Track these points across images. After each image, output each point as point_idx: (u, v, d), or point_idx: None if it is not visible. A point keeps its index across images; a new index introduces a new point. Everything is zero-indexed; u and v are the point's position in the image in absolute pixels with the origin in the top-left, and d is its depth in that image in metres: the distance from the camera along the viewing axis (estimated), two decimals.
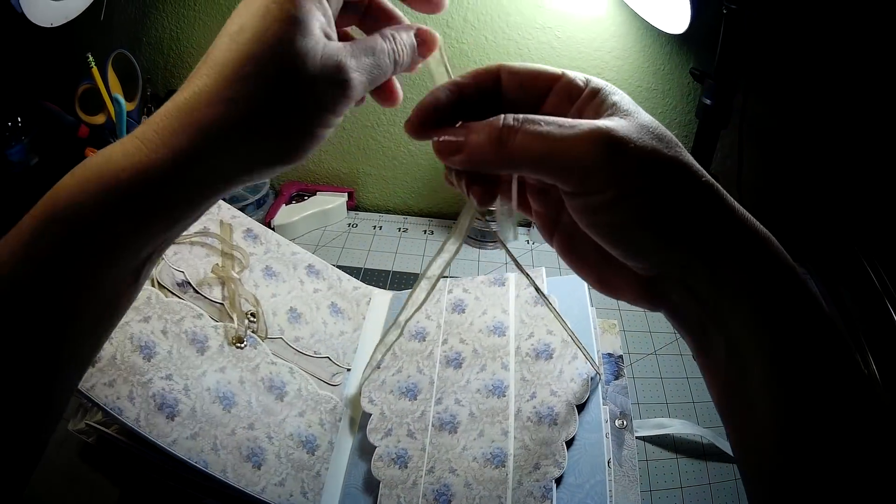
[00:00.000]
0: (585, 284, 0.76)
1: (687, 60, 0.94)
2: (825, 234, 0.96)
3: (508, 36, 0.95)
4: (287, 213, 1.04)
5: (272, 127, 0.36)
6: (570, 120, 0.35)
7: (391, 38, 0.40)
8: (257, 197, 1.03)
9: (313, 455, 0.63)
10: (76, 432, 0.66)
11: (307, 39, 0.35)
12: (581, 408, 0.63)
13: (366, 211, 1.15)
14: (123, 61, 0.95)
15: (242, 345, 0.66)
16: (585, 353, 0.66)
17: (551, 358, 0.68)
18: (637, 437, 0.71)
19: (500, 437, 0.61)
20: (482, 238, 1.05)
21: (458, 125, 0.40)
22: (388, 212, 1.16)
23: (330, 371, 0.72)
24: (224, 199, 0.81)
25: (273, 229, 0.96)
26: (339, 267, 0.84)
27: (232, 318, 0.68)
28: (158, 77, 1.05)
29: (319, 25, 0.35)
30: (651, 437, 0.73)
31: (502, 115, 0.36)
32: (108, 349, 0.59)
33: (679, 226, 0.35)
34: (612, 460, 0.60)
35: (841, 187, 1.01)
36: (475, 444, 0.61)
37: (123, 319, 0.59)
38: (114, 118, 0.91)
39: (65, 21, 0.79)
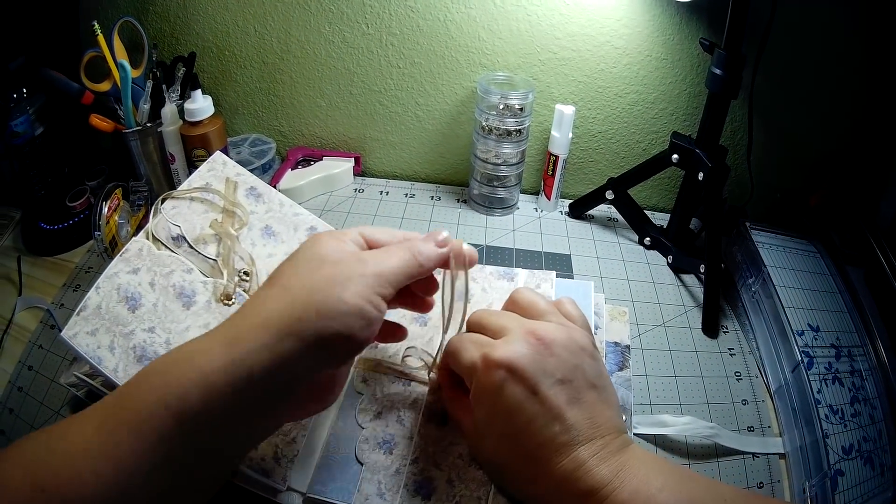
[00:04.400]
0: (592, 290, 0.75)
1: (697, 30, 0.92)
2: (833, 211, 0.94)
3: (517, 3, 0.94)
4: (293, 178, 1.04)
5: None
6: None
7: None
8: (263, 162, 1.02)
9: None
10: (67, 385, 0.67)
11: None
12: None
13: (372, 177, 1.15)
14: (129, 30, 0.96)
15: (230, 302, 0.66)
16: None
17: None
18: (635, 434, 0.69)
19: None
20: (489, 205, 1.04)
21: None
22: (394, 177, 1.15)
23: None
24: (229, 157, 0.81)
25: None
26: None
27: (223, 275, 0.68)
28: (165, 45, 1.05)
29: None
30: (651, 435, 0.70)
31: None
32: (94, 298, 0.60)
33: None
34: None
35: (851, 164, 0.98)
36: (463, 441, 0.59)
37: (112, 270, 0.60)
38: (118, 84, 0.91)
39: None
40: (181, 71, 0.94)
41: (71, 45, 0.99)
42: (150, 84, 0.92)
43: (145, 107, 0.93)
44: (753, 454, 0.69)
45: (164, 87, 0.92)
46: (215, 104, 0.94)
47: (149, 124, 0.93)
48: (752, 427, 0.72)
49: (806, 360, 0.71)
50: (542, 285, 0.74)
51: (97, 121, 0.91)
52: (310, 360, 0.44)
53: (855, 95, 0.93)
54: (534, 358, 0.48)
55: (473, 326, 0.57)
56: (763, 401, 0.75)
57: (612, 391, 0.52)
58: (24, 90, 0.92)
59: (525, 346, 0.49)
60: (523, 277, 0.76)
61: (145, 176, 0.97)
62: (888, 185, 0.91)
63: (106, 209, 0.82)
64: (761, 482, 0.67)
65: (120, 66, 0.89)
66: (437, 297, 0.58)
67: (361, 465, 0.57)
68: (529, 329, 0.50)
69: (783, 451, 0.70)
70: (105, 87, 0.92)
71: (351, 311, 0.44)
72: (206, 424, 0.41)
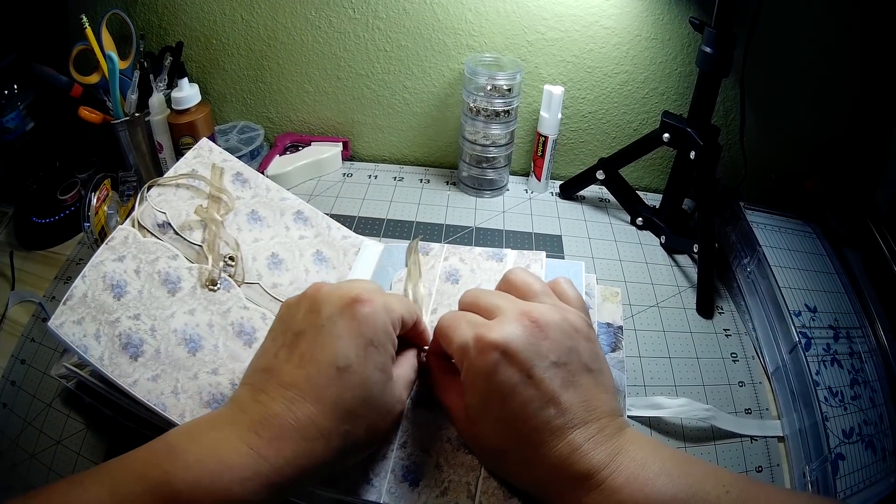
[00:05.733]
0: (583, 270, 0.74)
1: (686, 9, 0.92)
2: (830, 194, 0.93)
3: None
4: (281, 164, 1.04)
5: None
6: None
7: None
8: (251, 148, 1.02)
9: None
10: (58, 377, 0.67)
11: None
12: None
13: (361, 161, 1.14)
14: (118, 22, 0.95)
15: (215, 287, 0.65)
16: None
17: None
18: (629, 417, 0.68)
19: None
20: (479, 186, 1.03)
21: None
22: (383, 161, 1.15)
23: None
24: (217, 144, 0.80)
25: None
26: (333, 216, 0.82)
27: (208, 260, 0.67)
28: (153, 35, 1.05)
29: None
30: (646, 417, 0.69)
31: None
32: (80, 287, 0.59)
33: None
34: None
35: (847, 148, 0.98)
36: (452, 425, 0.58)
37: (99, 258, 0.60)
38: (107, 76, 0.91)
39: None
40: (169, 60, 0.94)
41: (60, 39, 0.99)
42: (137, 74, 0.92)
43: (133, 97, 0.92)
44: (751, 437, 0.68)
45: (151, 76, 0.92)
46: (203, 93, 0.94)
47: (137, 114, 0.93)
48: (749, 409, 0.71)
49: (804, 340, 0.70)
50: (532, 266, 0.74)
51: (86, 113, 0.90)
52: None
53: (850, 79, 0.93)
54: (528, 340, 0.47)
55: (466, 305, 0.56)
56: (760, 382, 0.75)
57: (608, 374, 0.51)
58: (15, 87, 0.92)
59: (519, 328, 0.48)
60: (513, 258, 0.75)
61: (134, 166, 0.97)
62: (884, 169, 0.90)
63: (95, 200, 0.82)
64: (760, 466, 0.66)
65: (108, 58, 0.88)
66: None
67: None
68: (524, 310, 0.50)
69: (782, 434, 0.69)
70: (94, 79, 0.92)
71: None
72: None
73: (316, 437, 0.44)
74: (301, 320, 0.50)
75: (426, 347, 0.60)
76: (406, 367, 0.55)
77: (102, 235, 0.83)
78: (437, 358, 0.58)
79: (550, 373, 0.47)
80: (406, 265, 0.75)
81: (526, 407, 0.46)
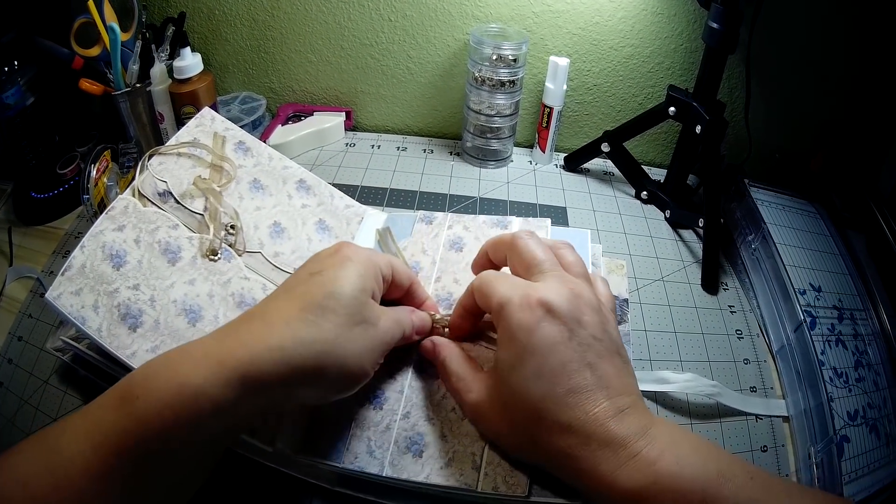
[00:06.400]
0: (588, 238, 0.73)
1: None
2: (834, 175, 0.93)
3: None
4: (283, 134, 1.03)
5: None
6: None
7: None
8: (253, 118, 1.02)
9: None
10: (53, 351, 0.67)
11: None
12: None
13: (364, 131, 1.13)
14: None
15: (216, 257, 0.65)
16: None
17: None
18: None
19: None
20: (483, 157, 1.02)
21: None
22: (386, 131, 1.14)
23: None
24: (220, 113, 0.79)
25: None
26: (336, 185, 0.81)
27: (209, 230, 0.67)
28: (155, 7, 1.04)
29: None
30: (651, 392, 0.68)
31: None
32: (78, 258, 0.59)
33: None
34: None
35: (852, 129, 0.97)
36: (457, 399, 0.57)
37: (98, 228, 0.60)
38: (108, 48, 0.89)
39: None
40: (171, 31, 0.93)
41: (62, 12, 0.98)
42: (139, 44, 0.91)
43: (134, 67, 0.91)
44: (756, 416, 0.68)
45: (153, 46, 0.91)
46: (206, 64, 0.93)
47: (138, 85, 0.92)
48: (754, 388, 0.71)
49: (809, 319, 0.69)
50: (538, 233, 0.73)
51: (87, 84, 0.89)
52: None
53: (856, 61, 0.91)
54: (573, 304, 0.48)
55: (504, 258, 0.57)
56: (765, 361, 0.74)
57: (631, 366, 0.51)
58: (16, 62, 0.91)
59: (565, 291, 0.48)
60: (517, 225, 0.74)
61: (135, 137, 0.96)
62: (889, 152, 0.89)
63: (94, 172, 0.81)
64: (765, 445, 0.65)
65: (110, 30, 0.87)
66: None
67: (351, 421, 0.55)
68: (566, 279, 0.50)
69: (787, 414, 0.68)
70: (95, 52, 0.91)
71: (359, 380, 0.49)
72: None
73: (276, 322, 0.45)
74: (298, 277, 0.50)
75: (433, 317, 0.60)
76: (395, 314, 0.54)
77: (102, 207, 0.82)
78: (465, 319, 0.58)
79: (589, 341, 0.47)
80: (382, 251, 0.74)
81: (566, 366, 0.46)
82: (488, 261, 0.59)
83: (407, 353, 0.60)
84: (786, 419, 0.68)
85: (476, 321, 0.58)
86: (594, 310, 0.49)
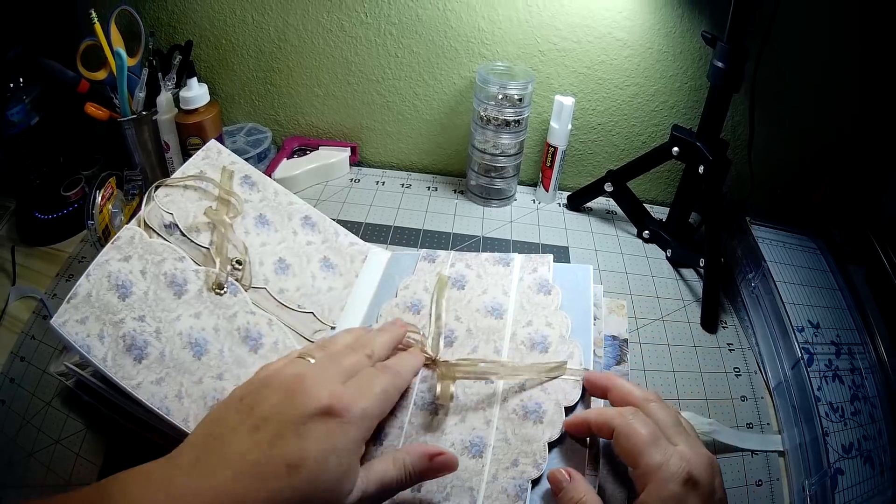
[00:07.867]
0: (591, 275, 0.72)
1: (699, 23, 0.92)
2: (835, 207, 0.94)
3: None
4: (288, 168, 1.03)
5: None
6: None
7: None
8: (258, 151, 1.02)
9: None
10: (57, 375, 0.66)
11: None
12: (570, 410, 0.59)
13: (369, 166, 1.14)
14: (127, 18, 0.94)
15: (222, 291, 0.65)
16: None
17: (546, 352, 0.64)
18: None
19: (482, 426, 0.58)
20: (487, 196, 1.03)
21: None
22: (391, 168, 1.14)
23: (312, 327, 0.70)
24: (225, 145, 0.80)
25: None
26: (340, 222, 0.81)
27: (215, 264, 0.67)
28: (162, 33, 1.05)
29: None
30: None
31: None
32: (84, 286, 0.58)
33: None
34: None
35: (853, 161, 0.98)
36: (455, 429, 0.58)
37: (104, 257, 0.60)
38: (114, 73, 0.90)
39: None
40: (177, 59, 0.93)
41: (68, 34, 0.98)
42: (145, 72, 0.91)
43: (140, 95, 0.92)
44: (752, 451, 0.68)
45: (159, 75, 0.91)
46: (212, 93, 0.93)
47: (144, 112, 0.92)
48: (751, 424, 0.71)
49: (806, 356, 0.70)
50: (539, 269, 0.73)
51: (92, 109, 0.90)
52: None
53: (858, 92, 0.93)
54: (709, 473, 0.50)
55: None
56: (762, 397, 0.74)
57: None
58: (21, 79, 0.92)
59: (705, 461, 0.51)
60: (519, 262, 0.75)
61: (140, 165, 0.96)
62: (890, 183, 0.90)
63: (99, 198, 0.81)
64: (760, 480, 0.66)
65: (116, 55, 0.88)
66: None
67: None
68: (693, 444, 0.52)
69: (782, 449, 0.69)
70: (101, 75, 0.91)
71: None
72: None
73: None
74: (273, 406, 0.47)
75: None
76: (381, 464, 0.51)
77: (106, 234, 0.83)
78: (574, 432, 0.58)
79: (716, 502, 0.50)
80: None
81: None
82: (587, 428, 0.57)
83: (409, 391, 0.61)
84: (781, 454, 0.69)
85: (587, 435, 0.58)
86: (718, 472, 0.52)
